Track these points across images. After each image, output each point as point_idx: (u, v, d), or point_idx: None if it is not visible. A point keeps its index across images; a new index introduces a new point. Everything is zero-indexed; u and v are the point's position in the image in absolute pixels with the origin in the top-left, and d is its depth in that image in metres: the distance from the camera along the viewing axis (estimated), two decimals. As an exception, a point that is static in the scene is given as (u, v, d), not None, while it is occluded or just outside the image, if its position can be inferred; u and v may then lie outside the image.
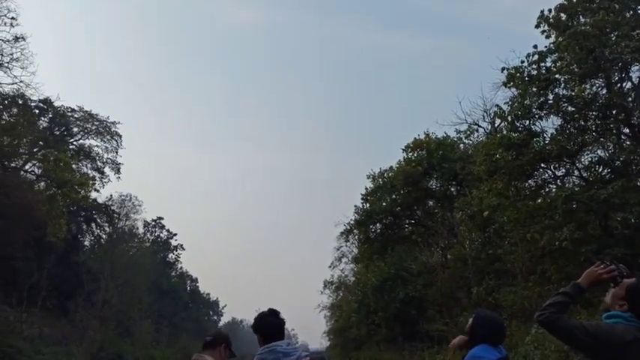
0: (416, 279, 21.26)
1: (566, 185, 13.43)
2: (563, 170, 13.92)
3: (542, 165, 13.56)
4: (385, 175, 27.80)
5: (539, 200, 13.39)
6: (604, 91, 12.69)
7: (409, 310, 21.05)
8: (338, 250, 40.06)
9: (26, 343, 24.42)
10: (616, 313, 2.27)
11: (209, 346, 3.52)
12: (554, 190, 13.58)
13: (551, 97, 12.83)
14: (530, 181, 14.18)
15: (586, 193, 11.14)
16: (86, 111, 35.12)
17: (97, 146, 37.60)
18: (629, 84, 12.98)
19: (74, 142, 36.20)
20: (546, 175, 14.18)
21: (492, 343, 3.25)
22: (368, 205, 28.17)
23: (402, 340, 21.44)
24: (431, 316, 19.10)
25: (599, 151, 13.72)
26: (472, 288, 16.46)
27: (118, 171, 38.07)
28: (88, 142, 37.16)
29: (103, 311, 35.53)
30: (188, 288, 65.95)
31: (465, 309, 16.36)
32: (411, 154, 26.20)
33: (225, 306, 79.85)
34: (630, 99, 12.59)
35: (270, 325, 3.10)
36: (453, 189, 25.45)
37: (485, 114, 22.20)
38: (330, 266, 48.75)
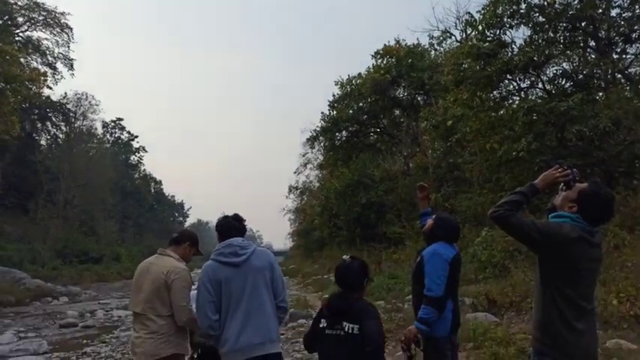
0: (377, 185, 21.91)
1: (529, 97, 13.62)
2: (528, 82, 14.02)
3: (508, 76, 13.58)
4: (353, 82, 27.33)
5: (502, 112, 13.61)
6: (575, 1, 12.45)
7: (369, 214, 21.94)
8: (304, 156, 40.43)
9: (-13, 240, 24.35)
10: (563, 214, 2.36)
11: (174, 242, 3.57)
12: (517, 102, 13.78)
13: (523, 6, 12.54)
14: (495, 92, 14.27)
15: (547, 105, 11.35)
16: (31, -1, 32.08)
17: (46, 39, 34.99)
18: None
19: (20, 34, 33.48)
20: (511, 86, 14.28)
21: (449, 242, 3.48)
22: (335, 112, 27.97)
23: (361, 241, 22.55)
24: (389, 219, 20.01)
25: (564, 64, 13.81)
26: (430, 195, 17.14)
27: (71, 67, 35.95)
28: (35, 34, 34.49)
29: (66, 211, 35.43)
30: (152, 190, 65.96)
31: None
32: (380, 60, 25.64)
33: (190, 208, 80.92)
34: (600, 10, 12.46)
35: (230, 226, 3.15)
36: (419, 98, 25.45)
37: (457, 21, 21.66)
38: (295, 172, 49.44)
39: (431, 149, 19.45)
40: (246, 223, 3.29)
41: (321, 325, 2.70)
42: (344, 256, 2.90)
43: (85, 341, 9.63)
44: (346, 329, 2.56)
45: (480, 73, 12.98)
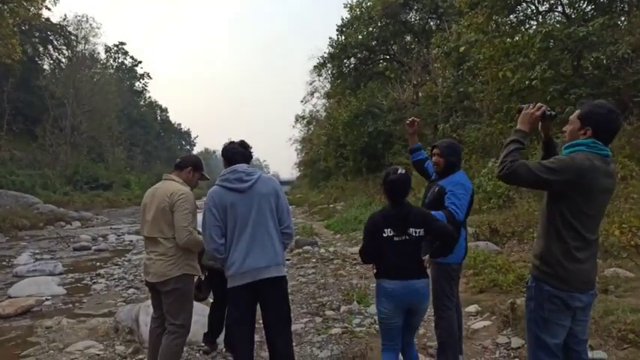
0: (386, 115, 21.60)
1: (547, 22, 12.96)
2: (547, 6, 13.32)
3: (527, -1, 12.89)
4: (363, 4, 26.11)
5: (517, 37, 13.02)
6: None
7: (376, 145, 21.83)
8: (310, 84, 39.64)
9: (-2, 165, 24.69)
10: (577, 142, 2.27)
11: (177, 167, 3.60)
12: (534, 27, 13.14)
13: None
14: (511, 16, 13.61)
15: (565, 30, 10.81)
16: None
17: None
18: None
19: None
20: (529, 10, 13.57)
21: (460, 168, 3.46)
22: (343, 37, 26.98)
23: (366, 171, 22.65)
24: (396, 150, 19.91)
25: (587, -14, 13.02)
26: (439, 125, 16.90)
27: (69, -14, 34.42)
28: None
29: (73, 137, 35.57)
30: (158, 118, 65.77)
31: (429, 144, 17.05)
32: (392, -18, 24.30)
33: (197, 137, 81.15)
34: None
35: (236, 151, 3.13)
36: (432, 23, 24.40)
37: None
38: (302, 101, 48.84)
39: (441, 77, 18.90)
40: (252, 151, 3.27)
41: (385, 235, 2.80)
42: (396, 167, 2.93)
43: (98, 264, 10.00)
44: (413, 234, 2.80)
45: (496, -4, 12.30)
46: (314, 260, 8.93)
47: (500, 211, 9.51)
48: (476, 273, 6.18)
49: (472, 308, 5.05)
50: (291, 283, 6.51)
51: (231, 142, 3.23)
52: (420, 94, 22.32)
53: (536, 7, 13.28)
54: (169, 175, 3.55)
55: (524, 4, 13.24)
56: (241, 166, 3.04)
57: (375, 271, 2.98)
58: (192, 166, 3.60)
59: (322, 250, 9.98)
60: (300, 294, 6.35)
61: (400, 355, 3.01)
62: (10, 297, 6.81)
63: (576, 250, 2.25)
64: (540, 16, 13.47)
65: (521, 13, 13.59)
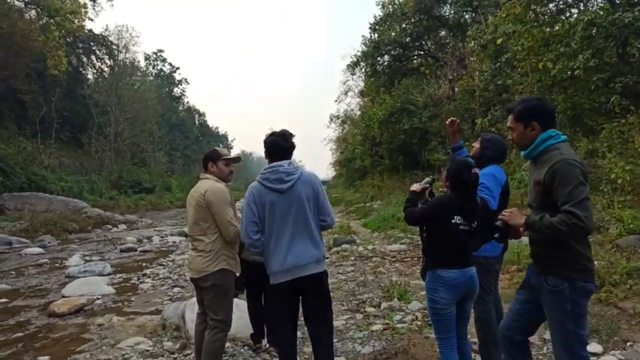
0: (421, 111, 21.32)
1: (589, 9, 12.47)
2: (589, -8, 12.81)
3: (568, -14, 12.43)
4: (396, 1, 25.89)
5: (558, 26, 12.57)
6: None
7: (412, 141, 21.59)
8: (344, 84, 39.63)
9: (48, 172, 25.89)
10: (547, 136, 2.42)
11: (204, 168, 3.70)
12: (575, 15, 12.67)
13: None
14: (550, 5, 13.15)
15: (609, 17, 10.37)
16: None
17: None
18: None
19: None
20: (570, -3, 13.08)
21: (498, 163, 3.41)
22: (376, 35, 26.83)
23: (403, 169, 22.44)
24: (433, 146, 19.63)
25: (632, -31, 12.42)
26: (477, 119, 16.53)
27: (110, -3, 35.79)
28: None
29: (117, 143, 36.89)
30: (197, 122, 67.30)
31: (467, 139, 16.71)
32: (424, -24, 23.98)
33: (234, 139, 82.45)
34: None
35: (275, 145, 3.11)
36: (467, 16, 23.90)
37: None
38: (336, 100, 48.89)
39: (478, 71, 18.49)
40: (294, 142, 3.18)
41: (454, 222, 2.83)
42: (468, 162, 2.94)
43: (144, 264, 10.34)
44: (474, 225, 2.88)
45: (535, -16, 11.92)
46: (352, 258, 8.94)
47: (543, 206, 9.23)
48: (520, 269, 6.04)
49: (517, 304, 4.94)
50: (331, 281, 6.55)
51: (272, 134, 3.18)
52: (457, 88, 21.91)
53: (577, -7, 12.81)
54: (204, 174, 3.65)
55: (564, -8, 12.79)
56: (282, 165, 3.03)
57: (424, 262, 2.98)
58: (210, 160, 3.65)
59: (360, 248, 9.97)
60: (340, 291, 6.38)
61: None
62: (63, 296, 7.14)
63: (587, 241, 2.34)
64: (582, 4, 12.98)
65: (561, 2, 13.12)
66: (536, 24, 12.65)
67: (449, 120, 3.88)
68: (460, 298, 2.88)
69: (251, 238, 3.01)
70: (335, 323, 4.25)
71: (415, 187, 3.16)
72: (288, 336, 3.09)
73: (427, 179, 3.19)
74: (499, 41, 13.82)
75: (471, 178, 2.83)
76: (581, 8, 12.74)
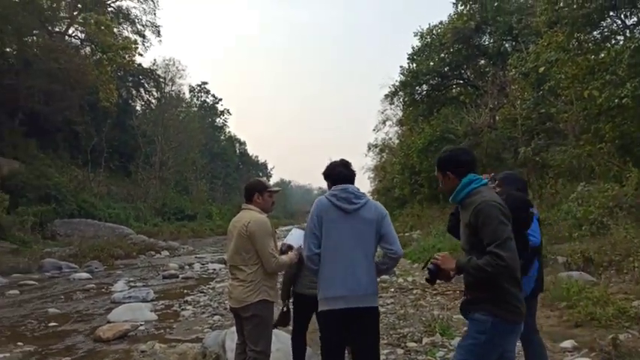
0: (461, 140, 21.06)
1: (636, 36, 12.14)
2: (635, 19, 12.48)
3: (612, 13, 12.17)
4: (434, 31, 26.03)
5: (603, 54, 12.30)
6: None
7: (452, 171, 21.24)
8: (382, 113, 39.82)
9: (97, 200, 27.03)
10: (468, 181, 2.57)
11: (247, 199, 3.71)
12: (621, 42, 12.36)
13: None
14: (595, 32, 12.90)
15: (658, 44, 10.07)
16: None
17: (134, 8, 36.94)
18: None
19: (112, 5, 35.57)
20: (615, 25, 12.79)
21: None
22: (414, 65, 26.96)
23: (443, 198, 22.04)
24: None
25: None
26: (519, 148, 16.18)
27: (158, 34, 37.89)
28: (125, 3, 36.50)
29: (162, 172, 38.21)
30: (237, 151, 68.86)
31: (510, 169, 16.36)
32: (462, 7, 24.06)
33: (273, 167, 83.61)
34: None
35: (340, 174, 3.12)
36: (507, 45, 23.70)
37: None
38: (374, 129, 48.98)
39: (520, 99, 18.18)
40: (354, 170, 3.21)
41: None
42: (528, 202, 2.90)
43: (185, 291, 10.52)
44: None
45: (577, 12, 11.76)
46: (392, 290, 8.79)
47: (593, 239, 8.83)
48: (570, 305, 5.77)
49: (568, 343, 4.71)
50: (371, 313, 6.45)
51: (334, 163, 3.20)
52: (497, 117, 21.59)
53: (622, 21, 12.51)
54: (247, 205, 3.68)
55: (609, 19, 12.53)
56: (353, 187, 3.04)
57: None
58: (257, 191, 3.67)
59: (400, 280, 9.80)
60: (379, 324, 6.27)
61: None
62: (109, 322, 7.34)
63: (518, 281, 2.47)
64: (628, 31, 12.66)
65: (606, 29, 12.85)
66: (579, 52, 12.42)
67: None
68: None
69: (311, 251, 2.95)
70: (375, 358, 4.16)
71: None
72: None
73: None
74: (541, 69, 13.63)
75: (528, 217, 2.76)
76: (627, 35, 12.41)
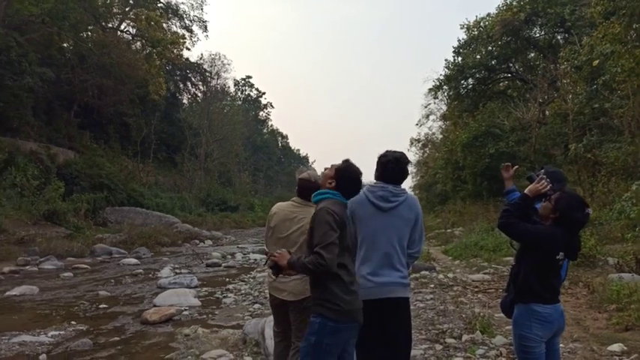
0: (508, 135, 20.47)
1: (703, 26, 11.40)
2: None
3: (676, 2, 11.45)
4: (481, 24, 25.31)
5: (664, 46, 11.63)
6: None
7: (497, 167, 20.62)
8: (426, 107, 39.18)
9: (146, 189, 28.08)
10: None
11: (301, 196, 3.55)
12: (685, 33, 11.63)
13: None
14: (656, 23, 12.18)
15: None
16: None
17: (182, 3, 37.90)
18: None
19: (161, 0, 36.65)
20: (679, 15, 12.03)
21: None
22: (460, 58, 26.34)
23: (487, 195, 21.53)
24: (521, 172, 18.64)
25: None
26: (570, 144, 15.55)
27: (205, 29, 38.61)
28: (174, -1, 37.47)
29: (206, 163, 39.21)
30: (279, 144, 69.65)
31: (559, 166, 15.75)
32: (511, -2, 23.29)
33: (314, 161, 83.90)
34: None
35: (395, 169, 3.04)
36: (559, 37, 22.79)
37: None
38: (417, 124, 48.33)
39: (572, 94, 17.46)
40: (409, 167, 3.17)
41: (558, 258, 2.71)
42: (582, 201, 2.78)
43: (227, 279, 10.80)
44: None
45: (636, 2, 11.14)
46: (432, 286, 8.69)
47: (647, 241, 8.42)
48: (620, 308, 5.54)
49: (616, 347, 4.53)
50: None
51: (388, 160, 3.04)
52: (547, 112, 20.81)
53: (687, 10, 11.76)
54: (305, 201, 3.46)
55: (672, 9, 11.80)
56: (390, 185, 3.01)
57: (510, 294, 2.82)
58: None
59: (441, 276, 9.67)
60: (418, 319, 6.22)
61: None
62: (155, 305, 7.65)
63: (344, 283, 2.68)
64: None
65: (669, 19, 12.12)
66: (638, 44, 11.78)
67: (504, 165, 3.56)
68: (551, 336, 2.74)
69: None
70: (413, 352, 4.15)
71: (532, 188, 2.73)
72: (368, 357, 2.98)
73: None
74: (595, 62, 13.04)
75: (584, 217, 2.69)
76: (693, 25, 11.67)
